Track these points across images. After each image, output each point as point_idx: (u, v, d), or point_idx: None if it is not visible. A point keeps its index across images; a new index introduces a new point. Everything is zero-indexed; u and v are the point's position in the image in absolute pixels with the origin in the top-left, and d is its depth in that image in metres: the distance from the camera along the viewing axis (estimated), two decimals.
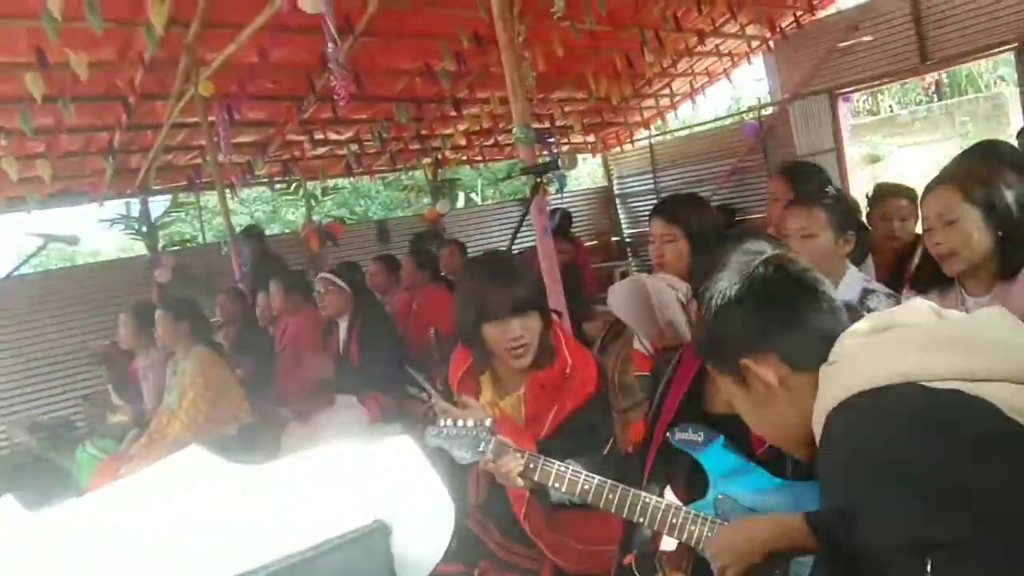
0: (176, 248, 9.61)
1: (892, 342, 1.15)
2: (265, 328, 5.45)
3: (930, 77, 12.99)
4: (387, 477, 0.77)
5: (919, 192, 3.59)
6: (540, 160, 2.88)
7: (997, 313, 1.18)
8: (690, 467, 1.68)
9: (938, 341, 1.11)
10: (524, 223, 3.01)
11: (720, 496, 1.59)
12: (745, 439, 1.59)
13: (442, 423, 1.91)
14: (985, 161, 1.99)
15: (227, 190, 7.05)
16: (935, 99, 16.02)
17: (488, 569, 2.15)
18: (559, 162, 2.50)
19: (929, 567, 0.91)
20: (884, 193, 3.46)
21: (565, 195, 10.36)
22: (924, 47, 8.52)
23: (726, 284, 1.32)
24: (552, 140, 8.84)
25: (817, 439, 1.17)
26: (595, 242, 11.34)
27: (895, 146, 14.47)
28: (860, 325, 1.23)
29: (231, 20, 5.75)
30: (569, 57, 7.79)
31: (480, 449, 1.85)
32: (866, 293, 2.25)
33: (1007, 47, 7.94)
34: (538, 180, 2.57)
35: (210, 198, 9.79)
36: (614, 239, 11.88)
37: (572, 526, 2.08)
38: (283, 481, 0.73)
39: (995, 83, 15.47)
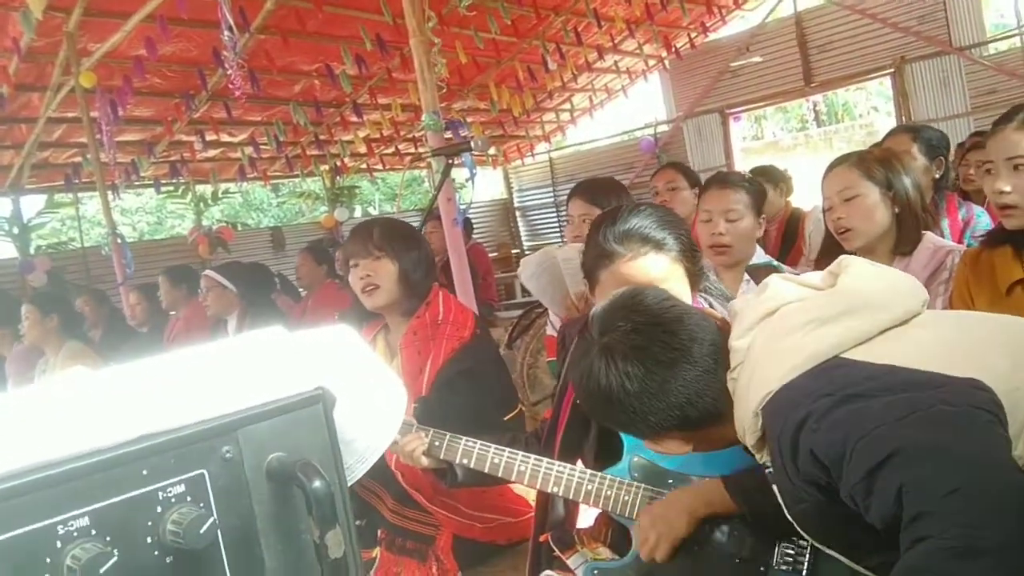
0: (52, 251, 8.99)
1: (789, 327, 1.17)
2: (133, 329, 5.13)
3: (815, 98, 13.77)
4: (330, 353, 0.69)
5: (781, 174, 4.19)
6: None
7: (862, 263, 1.25)
8: (601, 437, 1.66)
9: (834, 311, 1.16)
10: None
11: (635, 458, 1.57)
12: None
13: None
14: (885, 146, 2.10)
15: (109, 191, 6.65)
16: (815, 126, 17.00)
17: (384, 537, 2.10)
18: (472, 143, 2.46)
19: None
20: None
21: (462, 206, 10.33)
22: (808, 70, 9.01)
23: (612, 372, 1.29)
24: (463, 130, 8.74)
25: (748, 439, 1.18)
26: (495, 253, 11.39)
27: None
28: (743, 317, 1.25)
29: (116, 8, 5.46)
30: (472, 67, 7.80)
31: None
32: (771, 270, 2.30)
33: (884, 72, 8.48)
34: (449, 162, 2.53)
35: (89, 203, 9.25)
36: (514, 251, 11.95)
37: (460, 492, 2.05)
38: (211, 358, 0.63)
39: (869, 112, 16.58)
